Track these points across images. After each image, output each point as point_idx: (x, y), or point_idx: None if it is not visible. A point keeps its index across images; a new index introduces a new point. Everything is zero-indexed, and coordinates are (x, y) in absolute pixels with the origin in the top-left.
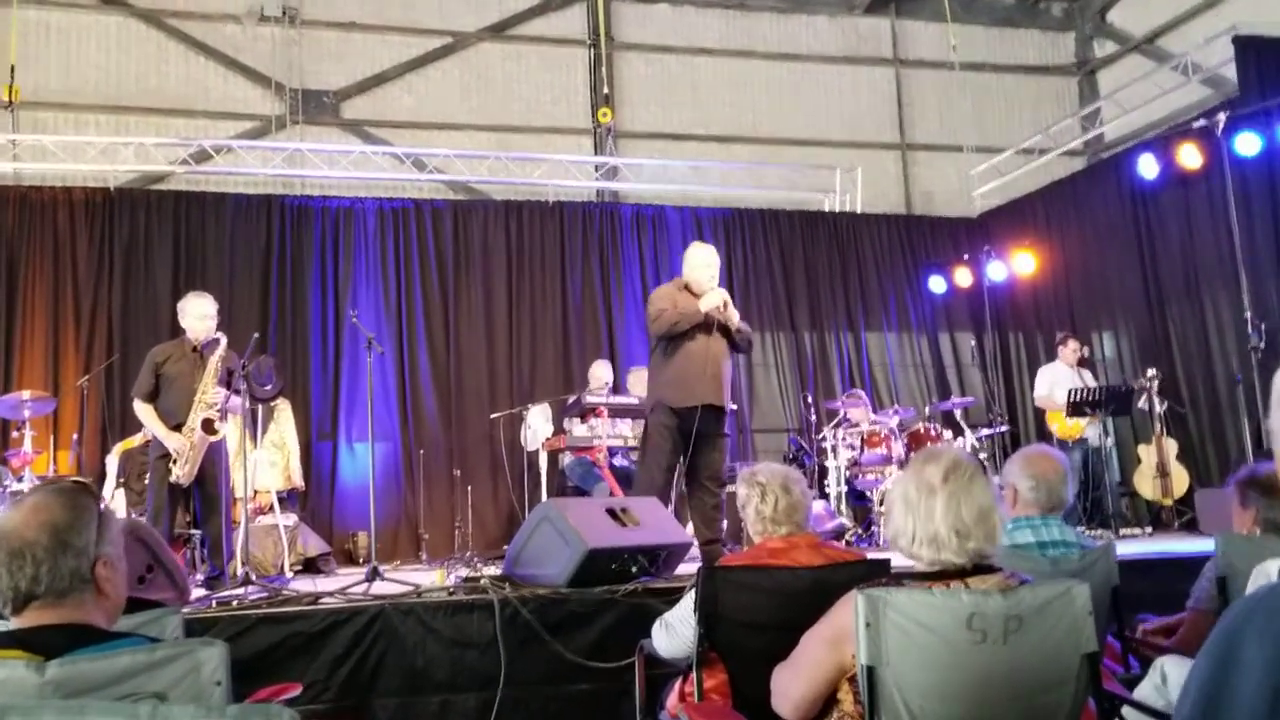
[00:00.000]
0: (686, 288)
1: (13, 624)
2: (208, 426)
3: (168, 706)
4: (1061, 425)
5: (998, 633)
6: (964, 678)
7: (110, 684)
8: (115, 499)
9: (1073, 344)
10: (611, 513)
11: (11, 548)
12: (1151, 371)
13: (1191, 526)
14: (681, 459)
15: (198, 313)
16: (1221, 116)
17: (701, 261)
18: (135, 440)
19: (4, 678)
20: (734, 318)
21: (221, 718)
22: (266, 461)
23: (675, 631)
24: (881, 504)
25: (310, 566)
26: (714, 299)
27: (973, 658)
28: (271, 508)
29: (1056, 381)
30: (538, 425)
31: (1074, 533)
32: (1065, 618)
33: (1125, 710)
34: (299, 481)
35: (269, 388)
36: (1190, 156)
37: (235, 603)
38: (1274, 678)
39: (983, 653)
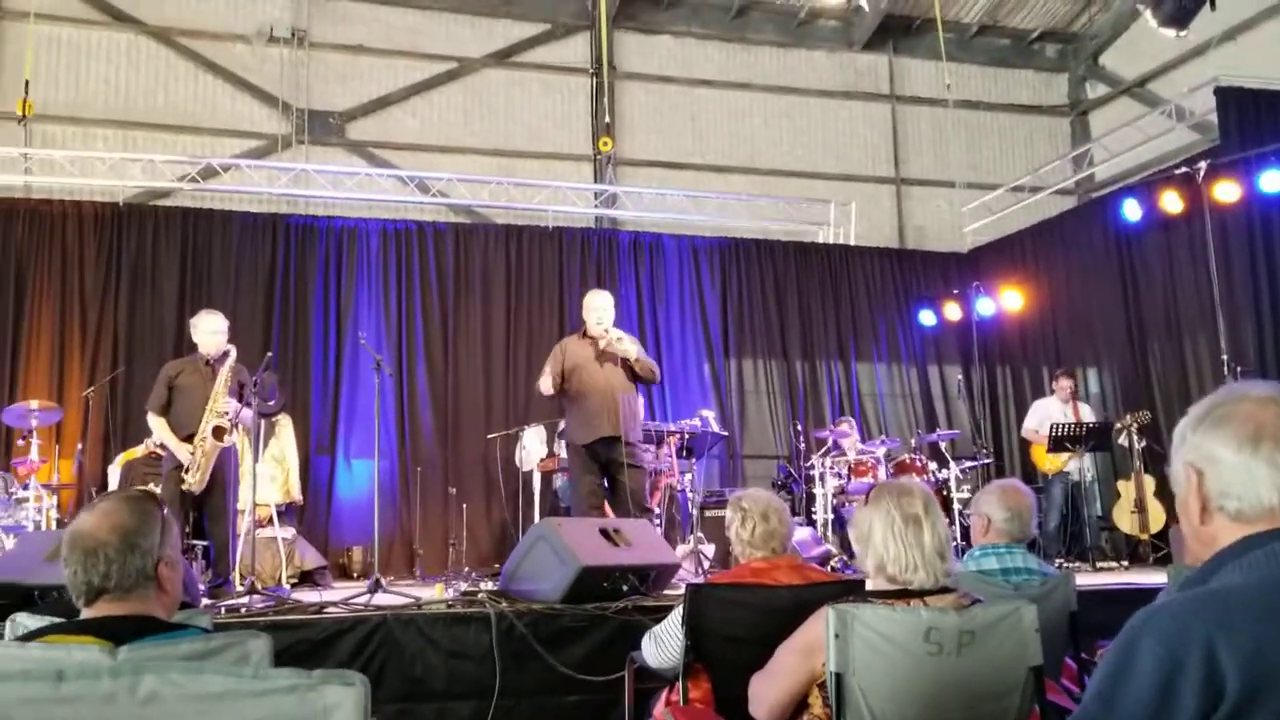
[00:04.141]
0: (585, 333)
1: (84, 614)
2: (218, 433)
3: (269, 669)
4: (1042, 459)
5: (952, 645)
6: (921, 685)
7: None
8: None
9: (1062, 381)
10: (604, 533)
11: (86, 547)
12: (1137, 414)
13: (1167, 561)
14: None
15: (209, 328)
16: (1203, 164)
17: (588, 306)
18: (138, 451)
19: (81, 659)
20: (631, 351)
21: (310, 679)
22: (266, 475)
23: (663, 643)
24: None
25: (306, 579)
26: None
27: (930, 667)
28: (270, 521)
29: (1048, 416)
30: (532, 446)
31: (1036, 561)
32: (1014, 634)
33: None
34: (297, 496)
35: (272, 403)
36: (1172, 202)
37: (243, 610)
38: (1163, 672)
39: (939, 663)
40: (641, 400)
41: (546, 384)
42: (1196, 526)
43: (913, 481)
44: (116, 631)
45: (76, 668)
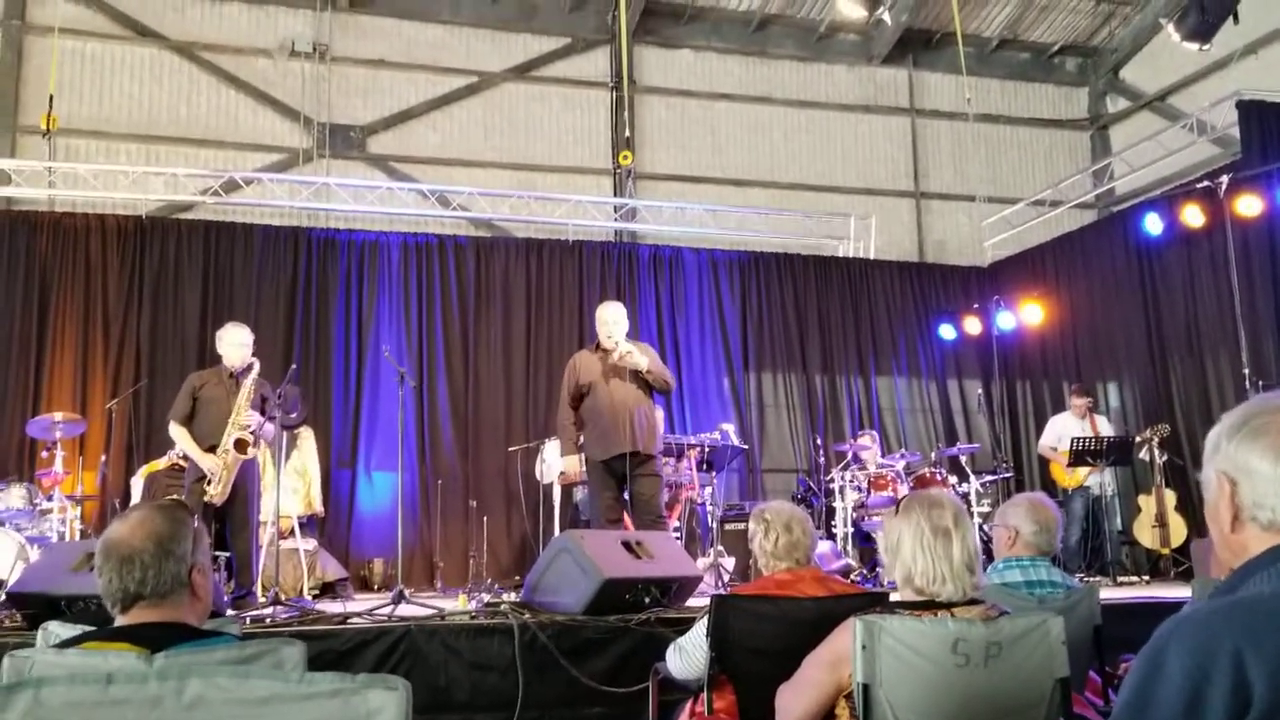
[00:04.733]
0: (598, 346)
1: (118, 621)
2: (240, 446)
3: (312, 673)
4: (1062, 475)
5: (980, 657)
6: (949, 697)
7: None
8: None
9: (1075, 399)
10: (627, 545)
11: (121, 554)
12: (1156, 427)
13: (1188, 575)
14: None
15: (235, 340)
16: (1224, 178)
17: (599, 318)
18: (160, 463)
19: (118, 666)
20: (641, 363)
21: (353, 684)
22: (288, 488)
23: (688, 654)
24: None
25: (328, 591)
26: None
27: (957, 679)
28: (292, 532)
29: (1065, 432)
30: (553, 459)
31: (1060, 574)
32: (1041, 646)
33: None
34: (319, 508)
35: (294, 415)
36: (1194, 216)
37: (268, 620)
38: (1191, 681)
39: (966, 675)
40: (661, 412)
41: (565, 433)
42: (1226, 534)
43: (943, 493)
44: (151, 639)
45: (124, 672)
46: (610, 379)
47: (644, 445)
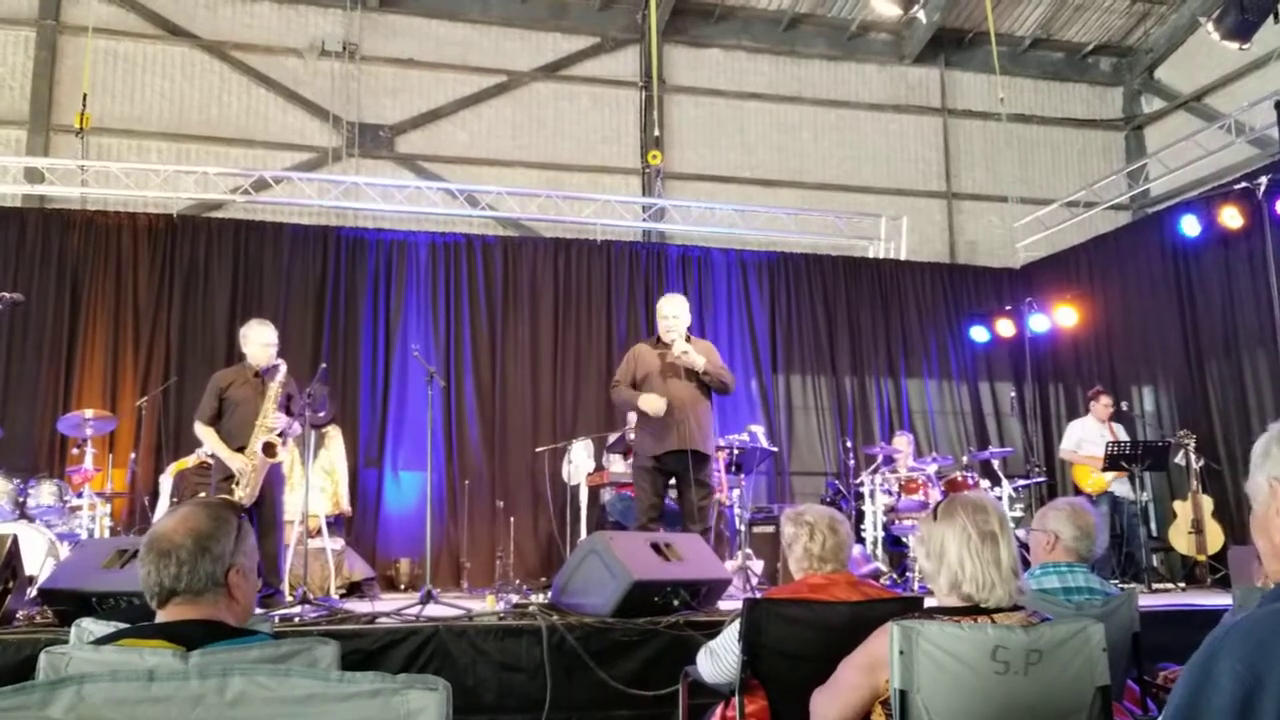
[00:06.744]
0: (658, 340)
1: (158, 616)
2: (269, 450)
3: (352, 672)
4: (1085, 479)
5: (1019, 664)
6: (987, 705)
7: None
8: None
9: (1104, 399)
10: (656, 547)
11: (161, 549)
12: (1181, 434)
13: (1225, 583)
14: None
15: (260, 340)
16: (1263, 179)
17: (659, 312)
18: (189, 461)
19: (154, 664)
20: (698, 363)
21: (394, 683)
22: (316, 486)
23: (719, 658)
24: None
25: (354, 590)
26: (654, 404)
27: (996, 686)
28: (319, 532)
29: (1085, 437)
30: (580, 460)
31: (1098, 581)
32: (1082, 653)
33: None
34: (346, 507)
35: (322, 414)
36: (1231, 217)
37: (296, 620)
38: (1242, 688)
39: (1005, 682)
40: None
41: (617, 396)
42: (1277, 543)
43: (984, 497)
44: (186, 636)
45: (164, 669)
46: (668, 376)
47: (702, 445)
